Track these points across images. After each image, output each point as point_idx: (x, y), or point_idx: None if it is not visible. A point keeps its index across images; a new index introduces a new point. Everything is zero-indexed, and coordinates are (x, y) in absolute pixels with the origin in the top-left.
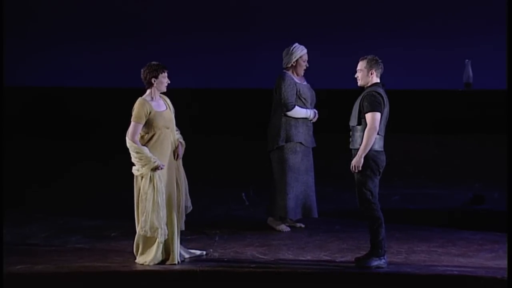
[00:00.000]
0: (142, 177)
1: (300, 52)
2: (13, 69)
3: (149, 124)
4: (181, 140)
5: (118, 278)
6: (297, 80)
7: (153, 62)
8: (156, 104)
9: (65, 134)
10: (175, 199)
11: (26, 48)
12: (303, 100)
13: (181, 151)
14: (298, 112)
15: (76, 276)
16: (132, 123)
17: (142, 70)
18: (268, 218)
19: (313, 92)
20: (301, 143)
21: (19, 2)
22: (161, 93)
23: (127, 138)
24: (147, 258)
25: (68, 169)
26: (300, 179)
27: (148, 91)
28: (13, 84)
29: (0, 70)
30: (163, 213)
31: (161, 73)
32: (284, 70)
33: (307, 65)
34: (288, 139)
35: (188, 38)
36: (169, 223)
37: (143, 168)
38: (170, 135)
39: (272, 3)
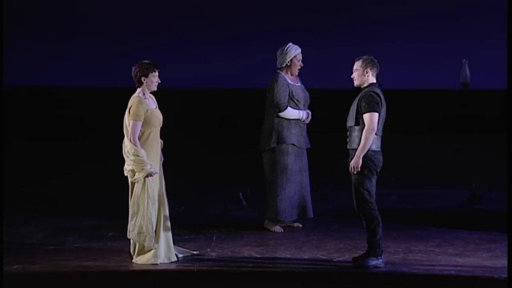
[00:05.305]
0: (136, 182)
1: (294, 51)
2: (13, 69)
3: (145, 122)
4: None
5: (115, 278)
6: (290, 81)
7: (145, 61)
8: (148, 102)
9: (62, 133)
10: (165, 197)
11: (25, 48)
12: (295, 101)
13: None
14: (291, 113)
15: (73, 276)
16: (132, 122)
17: (133, 68)
18: (264, 221)
19: (307, 93)
20: (293, 144)
21: (19, 2)
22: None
23: (127, 140)
24: (144, 258)
25: (65, 169)
26: (294, 179)
27: (138, 90)
28: (13, 84)
29: (0, 70)
30: (153, 219)
31: (152, 72)
32: (278, 71)
33: (302, 65)
34: (280, 141)
35: (184, 37)
36: (163, 223)
37: (138, 174)
38: (159, 134)
39: (268, 2)
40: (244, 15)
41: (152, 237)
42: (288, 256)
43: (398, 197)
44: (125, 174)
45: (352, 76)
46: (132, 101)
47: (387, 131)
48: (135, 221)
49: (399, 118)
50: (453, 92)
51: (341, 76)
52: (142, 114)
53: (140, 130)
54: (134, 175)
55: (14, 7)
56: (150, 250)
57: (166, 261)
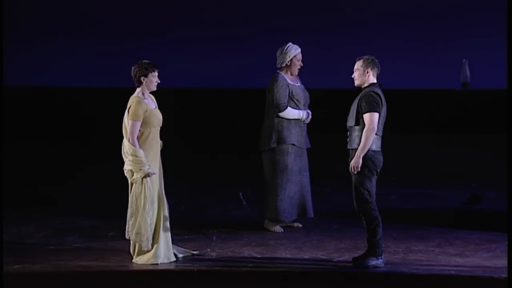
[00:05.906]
0: (134, 182)
1: (294, 51)
2: (13, 69)
3: (144, 122)
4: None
5: (115, 278)
6: (290, 81)
7: (145, 61)
8: (148, 102)
9: (62, 133)
10: (164, 198)
11: (25, 48)
12: (295, 101)
13: None
14: (291, 113)
15: (73, 276)
16: (130, 122)
17: (132, 68)
18: (264, 221)
19: (307, 93)
20: (293, 144)
21: (19, 1)
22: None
23: (126, 140)
24: (144, 258)
25: (65, 168)
26: (294, 179)
27: (138, 90)
28: (12, 84)
29: (0, 70)
30: (151, 220)
31: (151, 72)
32: (278, 71)
33: (302, 65)
34: (280, 141)
35: (184, 37)
36: (163, 223)
37: (136, 174)
38: (158, 134)
39: (267, 2)
40: (244, 15)
41: (149, 238)
42: (288, 256)
43: (398, 197)
44: (125, 174)
45: (352, 76)
46: (131, 101)
47: (387, 131)
48: (133, 221)
49: (399, 118)
50: (453, 92)
51: (341, 76)
52: (141, 114)
53: (140, 130)
54: (132, 175)
55: (14, 7)
56: (150, 250)
57: (165, 261)
